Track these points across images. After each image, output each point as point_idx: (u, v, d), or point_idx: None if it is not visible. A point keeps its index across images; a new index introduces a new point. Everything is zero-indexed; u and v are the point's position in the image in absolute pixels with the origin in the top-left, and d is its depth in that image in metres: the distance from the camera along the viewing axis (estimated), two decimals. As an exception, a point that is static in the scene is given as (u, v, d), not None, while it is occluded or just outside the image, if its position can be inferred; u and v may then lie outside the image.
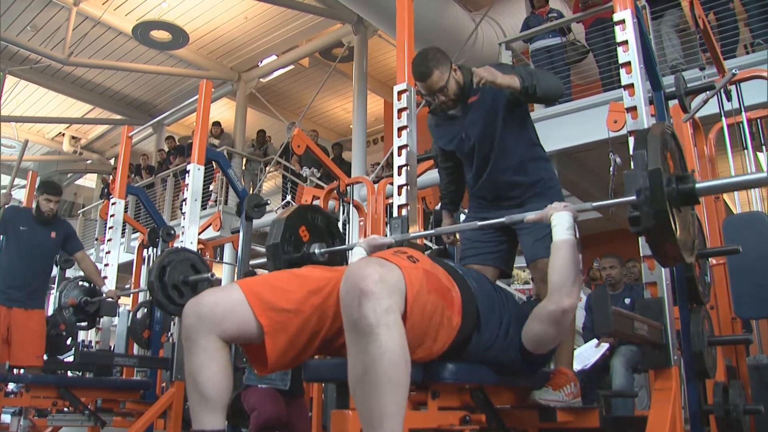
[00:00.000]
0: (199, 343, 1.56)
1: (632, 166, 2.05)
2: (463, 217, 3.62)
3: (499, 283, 2.49)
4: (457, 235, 2.91)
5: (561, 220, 1.86)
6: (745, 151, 3.56)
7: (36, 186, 4.70)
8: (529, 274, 5.93)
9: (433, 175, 4.46)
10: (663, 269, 2.02)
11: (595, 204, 1.93)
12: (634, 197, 1.65)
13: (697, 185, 1.69)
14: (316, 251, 2.47)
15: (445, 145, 2.69)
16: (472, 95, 2.49)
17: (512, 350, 1.81)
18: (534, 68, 2.49)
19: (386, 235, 2.58)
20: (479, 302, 1.73)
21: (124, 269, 6.11)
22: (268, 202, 4.67)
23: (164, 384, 4.58)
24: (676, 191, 1.67)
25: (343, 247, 2.59)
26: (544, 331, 1.79)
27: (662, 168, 1.60)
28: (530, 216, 1.98)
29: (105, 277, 4.63)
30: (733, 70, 3.21)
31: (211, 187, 10.36)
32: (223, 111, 12.90)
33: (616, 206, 1.83)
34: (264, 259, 2.48)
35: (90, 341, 7.07)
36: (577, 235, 1.88)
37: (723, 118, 3.48)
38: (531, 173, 2.53)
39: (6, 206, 4.46)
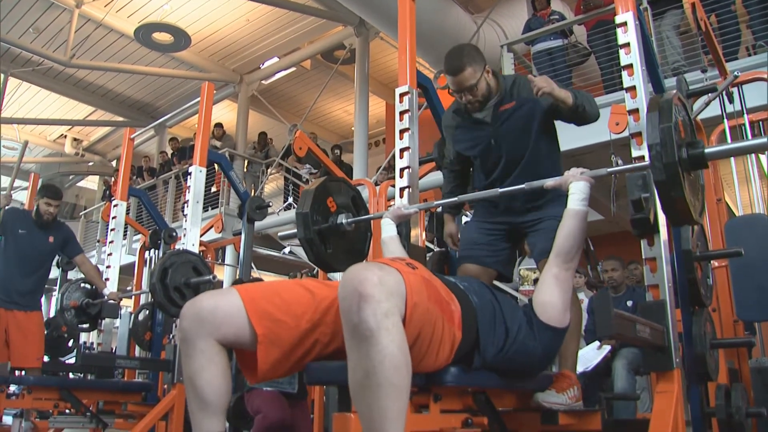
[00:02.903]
0: (198, 345, 1.54)
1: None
2: (465, 219, 3.62)
3: (508, 288, 2.50)
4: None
5: (578, 190, 1.98)
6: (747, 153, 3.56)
7: (37, 188, 4.69)
8: (536, 276, 5.93)
9: (434, 177, 4.46)
10: (665, 272, 2.02)
11: (609, 170, 2.02)
12: (647, 162, 1.75)
13: (707, 150, 1.74)
14: (343, 221, 2.52)
15: (465, 150, 2.63)
16: (506, 102, 2.45)
17: (519, 357, 1.80)
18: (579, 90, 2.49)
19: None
20: (480, 317, 1.71)
21: (126, 271, 6.11)
22: (270, 204, 4.68)
23: (166, 386, 4.58)
24: (686, 154, 1.72)
25: (369, 216, 2.64)
26: (555, 294, 1.87)
27: (673, 127, 1.66)
28: (549, 182, 2.08)
29: (107, 279, 4.64)
30: (735, 73, 3.20)
31: (213, 189, 10.38)
32: (225, 113, 12.92)
33: (631, 170, 1.97)
34: (294, 230, 2.52)
35: (92, 343, 7.07)
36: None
37: (725, 120, 3.48)
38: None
39: (6, 208, 4.45)
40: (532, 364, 1.86)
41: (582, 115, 2.38)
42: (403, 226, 2.51)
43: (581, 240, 1.92)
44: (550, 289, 1.87)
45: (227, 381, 1.58)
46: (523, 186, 2.15)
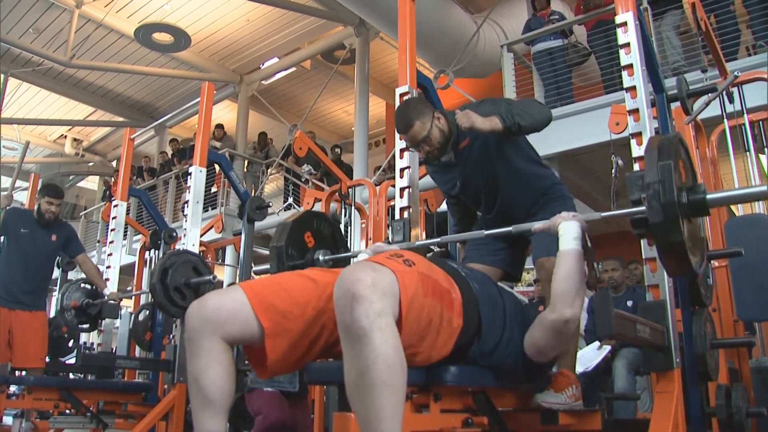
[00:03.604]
0: (203, 345, 1.56)
1: (634, 168, 2.06)
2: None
3: (503, 285, 2.51)
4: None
5: (568, 230, 1.85)
6: (747, 153, 3.56)
7: (38, 188, 4.70)
8: (533, 276, 5.93)
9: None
10: (665, 272, 2.01)
11: (604, 213, 1.90)
12: (644, 207, 1.62)
13: (708, 196, 1.66)
14: (321, 258, 2.48)
15: (449, 191, 2.70)
16: (461, 140, 2.46)
17: (515, 355, 1.81)
18: (517, 100, 2.48)
19: (388, 238, 2.58)
20: (481, 304, 1.72)
21: (126, 271, 6.11)
22: (270, 204, 4.67)
23: (166, 386, 4.58)
24: (686, 200, 1.63)
25: (347, 254, 2.60)
26: (545, 339, 1.80)
27: (673, 167, 1.58)
28: (537, 225, 1.99)
29: (107, 279, 4.64)
30: (735, 73, 3.20)
31: (213, 189, 10.38)
32: (225, 113, 12.92)
33: (625, 216, 1.80)
34: (267, 266, 2.48)
35: (92, 343, 7.07)
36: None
37: (725, 121, 3.48)
38: (537, 188, 2.56)
39: (7, 208, 4.46)
40: (527, 369, 1.87)
41: (523, 131, 2.35)
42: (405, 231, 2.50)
43: (580, 280, 1.79)
44: (541, 335, 1.80)
45: (231, 380, 1.59)
46: (509, 229, 2.10)
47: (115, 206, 4.83)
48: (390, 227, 3.95)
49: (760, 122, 3.66)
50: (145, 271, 6.22)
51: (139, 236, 8.02)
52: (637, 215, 1.73)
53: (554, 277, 1.81)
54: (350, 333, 1.36)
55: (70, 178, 16.06)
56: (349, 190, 4.83)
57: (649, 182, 1.57)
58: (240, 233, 4.54)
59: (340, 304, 1.39)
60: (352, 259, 2.59)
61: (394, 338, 1.37)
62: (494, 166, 2.48)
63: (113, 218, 4.81)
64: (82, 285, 4.85)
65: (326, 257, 2.49)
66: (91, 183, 16.64)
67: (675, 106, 2.72)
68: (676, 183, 1.56)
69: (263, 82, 11.94)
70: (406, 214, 2.59)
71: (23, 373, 4.28)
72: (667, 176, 1.55)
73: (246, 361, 3.66)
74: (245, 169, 10.93)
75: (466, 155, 2.49)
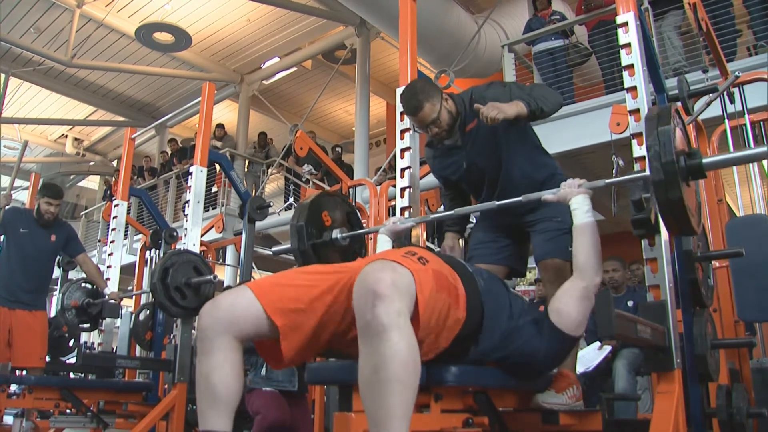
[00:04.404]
0: (215, 343, 1.58)
1: (635, 169, 2.06)
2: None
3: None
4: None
5: (580, 204, 2.01)
6: (748, 153, 3.56)
7: (38, 188, 4.69)
8: (534, 276, 5.93)
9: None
10: (666, 273, 2.01)
11: (608, 181, 2.03)
12: (647, 172, 1.76)
13: (705, 160, 1.78)
14: (338, 236, 2.53)
15: (449, 175, 2.66)
16: (468, 122, 2.46)
17: (520, 354, 1.81)
18: (528, 85, 2.49)
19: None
20: (485, 300, 1.75)
21: (127, 271, 6.12)
22: (271, 204, 4.68)
23: (166, 386, 4.58)
24: (684, 163, 1.75)
25: (364, 230, 2.65)
26: (577, 306, 1.87)
27: (672, 132, 1.66)
28: (547, 195, 2.09)
29: (107, 279, 4.64)
30: (736, 73, 3.20)
31: (214, 189, 10.38)
32: (226, 113, 12.92)
33: (628, 181, 1.96)
34: (287, 245, 2.54)
35: (92, 343, 7.07)
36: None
37: (726, 121, 3.48)
38: (538, 178, 2.54)
39: (6, 207, 4.46)
40: (531, 364, 1.87)
41: (543, 115, 2.38)
42: (404, 238, 2.50)
43: (599, 249, 1.94)
44: (572, 302, 1.87)
45: (240, 380, 1.61)
46: (520, 199, 2.15)
47: (115, 206, 4.83)
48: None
49: (761, 122, 3.66)
50: (146, 270, 6.23)
51: (140, 236, 8.02)
52: (638, 180, 1.91)
53: (577, 251, 1.95)
54: (369, 329, 1.40)
55: (71, 177, 16.07)
56: (350, 190, 4.83)
57: (650, 144, 1.69)
58: (241, 233, 4.55)
59: (360, 302, 1.43)
60: (368, 236, 2.62)
61: (410, 337, 1.41)
62: (500, 149, 2.47)
63: (114, 218, 4.81)
64: (83, 284, 4.85)
65: (344, 234, 2.54)
66: (92, 182, 16.66)
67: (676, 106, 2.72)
68: (674, 146, 1.66)
69: (264, 81, 11.94)
70: (406, 214, 2.60)
71: (24, 372, 4.28)
72: (666, 138, 1.67)
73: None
74: (246, 169, 10.93)
75: (473, 137, 2.48)
